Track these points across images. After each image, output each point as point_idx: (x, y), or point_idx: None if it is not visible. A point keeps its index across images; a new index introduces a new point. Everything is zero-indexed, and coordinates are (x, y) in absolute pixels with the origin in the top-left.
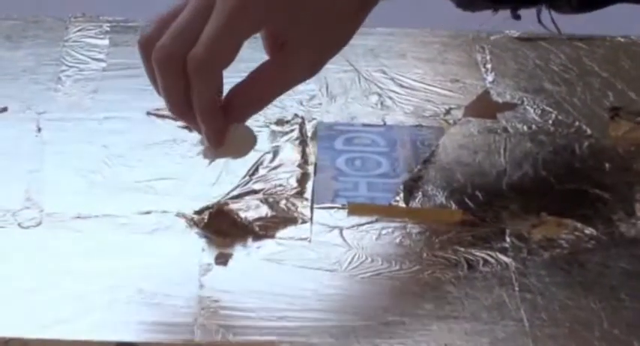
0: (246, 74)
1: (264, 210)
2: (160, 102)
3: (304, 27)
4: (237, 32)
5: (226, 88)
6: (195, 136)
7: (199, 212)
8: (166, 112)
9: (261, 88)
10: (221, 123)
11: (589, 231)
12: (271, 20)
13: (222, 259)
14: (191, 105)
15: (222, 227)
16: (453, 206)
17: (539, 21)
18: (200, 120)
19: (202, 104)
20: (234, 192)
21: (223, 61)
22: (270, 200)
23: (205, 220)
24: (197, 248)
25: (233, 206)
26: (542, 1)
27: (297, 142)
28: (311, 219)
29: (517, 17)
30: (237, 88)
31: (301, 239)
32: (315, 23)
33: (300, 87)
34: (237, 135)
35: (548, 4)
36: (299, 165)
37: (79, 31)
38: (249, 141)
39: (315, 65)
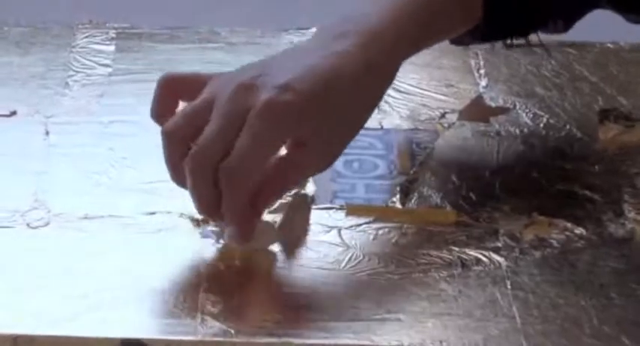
0: None
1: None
2: None
3: (323, 128)
4: (267, 147)
5: None
6: None
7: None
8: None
9: (282, 184)
10: (251, 224)
11: (579, 230)
12: (299, 131)
13: (224, 258)
14: (219, 206)
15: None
16: (448, 207)
17: (528, 44)
18: (229, 223)
19: (233, 209)
20: None
21: (255, 173)
22: None
23: (208, 220)
24: (200, 247)
25: None
26: (532, 30)
27: None
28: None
29: (510, 46)
30: (258, 182)
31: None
32: (331, 121)
33: None
34: (260, 229)
35: (537, 31)
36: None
37: (85, 37)
38: (271, 235)
39: (333, 158)
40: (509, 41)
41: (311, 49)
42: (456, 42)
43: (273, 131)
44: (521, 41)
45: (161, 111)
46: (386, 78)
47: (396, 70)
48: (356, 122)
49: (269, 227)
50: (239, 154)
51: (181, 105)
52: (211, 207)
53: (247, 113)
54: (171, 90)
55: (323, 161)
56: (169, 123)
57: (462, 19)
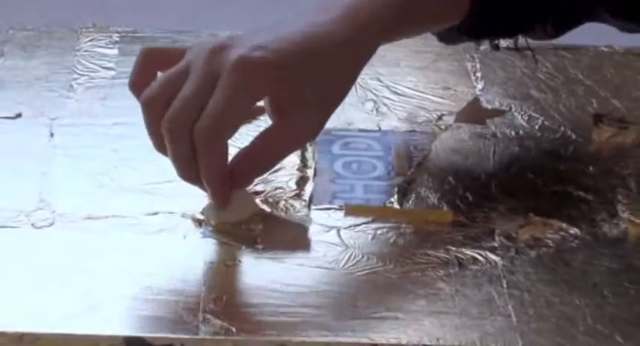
0: None
1: (266, 211)
2: None
3: (305, 94)
4: (240, 105)
5: None
6: None
7: (204, 213)
8: None
9: (267, 155)
10: (227, 188)
11: (574, 230)
12: (273, 92)
13: (225, 258)
14: (198, 170)
15: (225, 227)
16: (445, 207)
17: (516, 47)
18: (207, 186)
19: (209, 172)
20: None
21: (228, 131)
22: (270, 201)
23: (210, 221)
24: (201, 247)
25: None
26: (519, 32)
27: None
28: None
29: (496, 48)
30: (242, 154)
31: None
32: (314, 89)
33: None
34: (239, 199)
35: (525, 34)
36: (298, 169)
37: (89, 41)
38: (249, 206)
39: (317, 128)
40: (496, 41)
41: (292, 20)
42: (444, 40)
43: (245, 87)
44: (509, 43)
45: (139, 82)
46: (364, 53)
47: (375, 47)
48: (334, 94)
49: (246, 196)
50: (211, 113)
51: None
52: (189, 170)
53: (220, 73)
54: (150, 62)
55: (303, 131)
56: (146, 91)
57: (447, 11)
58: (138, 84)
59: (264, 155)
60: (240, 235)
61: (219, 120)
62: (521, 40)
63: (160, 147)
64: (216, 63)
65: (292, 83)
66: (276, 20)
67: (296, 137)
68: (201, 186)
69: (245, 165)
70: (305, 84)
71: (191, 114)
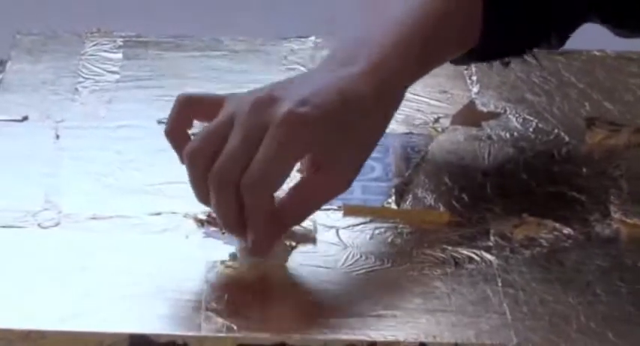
0: (252, 85)
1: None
2: (169, 111)
3: (342, 150)
4: (288, 159)
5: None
6: None
7: (206, 213)
8: None
9: (303, 208)
10: (271, 240)
11: (567, 230)
12: (315, 147)
13: (227, 257)
14: (242, 221)
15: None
16: (441, 207)
17: (524, 60)
18: (251, 235)
19: (255, 224)
20: None
21: (276, 185)
22: None
23: (211, 221)
24: (204, 246)
25: None
26: (527, 49)
27: None
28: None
29: (506, 65)
30: (279, 205)
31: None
32: (350, 145)
33: None
34: (276, 249)
35: (532, 49)
36: (299, 171)
37: (94, 45)
38: (283, 256)
39: (351, 180)
40: (506, 59)
41: (321, 73)
42: (454, 62)
43: (294, 142)
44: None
45: (176, 129)
46: (393, 103)
47: (402, 95)
48: (368, 145)
49: (284, 247)
50: (260, 166)
51: (197, 125)
52: (235, 223)
53: (267, 126)
54: (188, 110)
55: (339, 183)
56: (191, 144)
57: (462, 43)
58: (174, 130)
59: (300, 207)
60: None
61: (268, 173)
62: None
63: (204, 198)
64: (263, 116)
65: (333, 140)
66: (308, 72)
67: (332, 190)
68: (243, 237)
69: (280, 217)
70: (343, 140)
71: (239, 167)
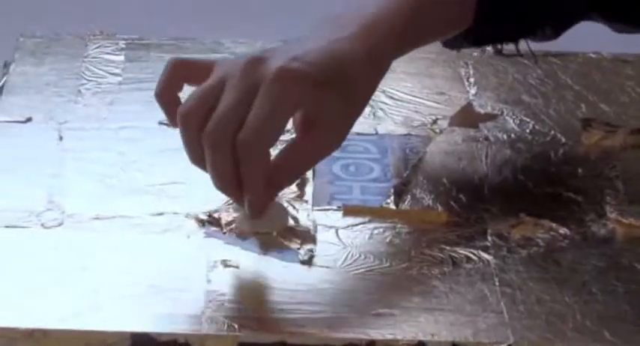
0: None
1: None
2: None
3: (333, 108)
4: (282, 115)
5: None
6: None
7: (207, 213)
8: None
9: (297, 166)
10: (266, 199)
11: (563, 230)
12: (307, 102)
13: (228, 256)
14: (237, 180)
15: (228, 227)
16: (439, 208)
17: (517, 50)
18: (248, 193)
19: (251, 182)
20: None
21: (271, 141)
22: None
23: (212, 221)
24: (205, 246)
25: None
26: (521, 36)
27: None
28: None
29: (499, 52)
30: (272, 166)
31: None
32: (340, 103)
33: None
34: (274, 211)
35: (526, 37)
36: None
37: (97, 48)
38: (283, 218)
39: (341, 139)
40: (499, 46)
41: (312, 38)
42: (448, 45)
43: (287, 96)
44: (511, 47)
45: (165, 92)
46: (381, 69)
47: (388, 64)
48: (357, 105)
49: (281, 209)
50: (255, 123)
51: (187, 89)
52: (230, 183)
53: (259, 85)
54: (178, 74)
55: (330, 142)
56: (183, 105)
57: (453, 22)
58: (164, 94)
59: (294, 166)
60: (242, 234)
61: (263, 129)
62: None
63: (198, 160)
64: (255, 74)
65: (324, 97)
66: (298, 37)
67: (324, 148)
68: (238, 198)
69: (275, 177)
70: (333, 98)
71: (233, 125)
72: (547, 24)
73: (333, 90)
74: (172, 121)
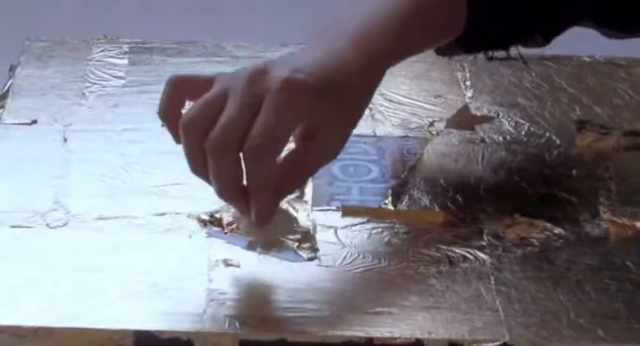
0: None
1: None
2: None
3: (332, 114)
4: (289, 123)
5: None
6: None
7: (209, 214)
8: None
9: (299, 175)
10: (273, 204)
11: (558, 230)
12: (311, 112)
13: (229, 256)
14: (242, 189)
15: (229, 227)
16: (436, 208)
17: (508, 56)
18: (255, 201)
19: (259, 189)
20: None
21: (279, 149)
22: None
23: (214, 221)
24: (206, 246)
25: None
26: (512, 44)
27: None
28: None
29: (490, 58)
30: (277, 174)
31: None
32: (339, 113)
33: None
34: (278, 217)
35: (517, 45)
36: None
37: (101, 51)
38: (288, 223)
39: (341, 147)
40: (490, 53)
41: (309, 49)
42: (440, 52)
43: (293, 106)
44: (502, 53)
45: (169, 110)
46: (376, 77)
47: (384, 72)
48: (355, 113)
49: (286, 215)
50: (262, 131)
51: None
52: (235, 191)
53: (263, 94)
54: (179, 90)
55: (333, 148)
56: (186, 115)
57: (445, 31)
58: (167, 112)
59: (297, 174)
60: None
61: (271, 137)
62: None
63: (199, 169)
64: (259, 85)
65: (326, 107)
66: (292, 51)
67: (326, 155)
68: (242, 206)
69: (279, 185)
70: (333, 107)
71: (237, 133)
72: (537, 32)
73: (332, 100)
74: (177, 138)
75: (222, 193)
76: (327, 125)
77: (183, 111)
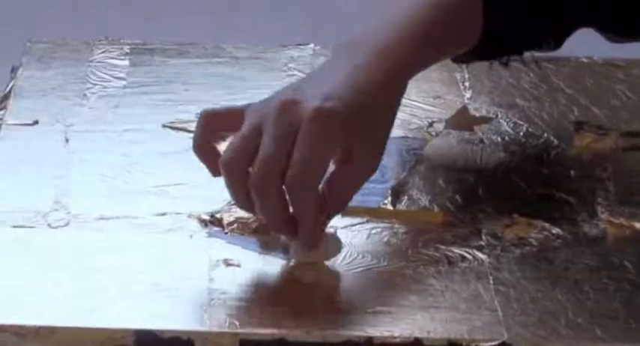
0: (254, 90)
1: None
2: (173, 116)
3: (367, 138)
4: (325, 152)
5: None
6: None
7: (209, 214)
8: (180, 125)
9: (344, 194)
10: (319, 232)
11: (556, 230)
12: (347, 138)
13: (230, 256)
14: (289, 218)
15: (229, 227)
16: (435, 208)
17: (523, 61)
18: (302, 227)
19: (305, 218)
20: None
21: (319, 178)
22: None
23: (214, 221)
24: (207, 246)
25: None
26: (527, 49)
27: None
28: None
29: (506, 64)
30: (321, 197)
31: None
32: (372, 132)
33: None
34: (326, 239)
35: (532, 50)
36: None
37: (102, 52)
38: (336, 246)
39: (380, 158)
40: (505, 59)
41: (331, 71)
42: (455, 60)
43: (328, 135)
44: (517, 58)
45: (203, 143)
46: (399, 90)
47: (405, 86)
48: (385, 127)
49: (334, 239)
50: (301, 161)
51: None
52: (283, 222)
53: (297, 125)
54: (211, 124)
55: (371, 165)
56: (225, 154)
57: (461, 42)
58: (202, 147)
59: (341, 195)
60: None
61: (309, 168)
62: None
63: (245, 204)
64: (291, 116)
65: (359, 129)
66: (314, 72)
67: (365, 172)
68: (292, 234)
69: (324, 208)
70: (367, 128)
71: (278, 167)
72: (551, 37)
73: (363, 120)
74: (213, 171)
75: (272, 226)
76: (361, 146)
77: (218, 146)
